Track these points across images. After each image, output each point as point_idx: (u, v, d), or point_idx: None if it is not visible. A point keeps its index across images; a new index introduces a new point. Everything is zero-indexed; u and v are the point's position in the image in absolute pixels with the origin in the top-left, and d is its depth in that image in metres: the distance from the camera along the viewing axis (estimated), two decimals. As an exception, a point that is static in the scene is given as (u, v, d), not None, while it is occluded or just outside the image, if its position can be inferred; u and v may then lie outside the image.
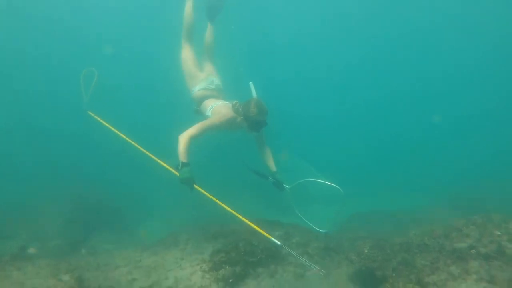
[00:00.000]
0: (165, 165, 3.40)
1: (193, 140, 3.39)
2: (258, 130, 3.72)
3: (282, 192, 3.99)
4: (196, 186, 3.20)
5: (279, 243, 2.93)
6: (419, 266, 2.73)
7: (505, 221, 3.04)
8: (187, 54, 4.61)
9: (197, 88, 4.37)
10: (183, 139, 3.33)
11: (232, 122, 3.75)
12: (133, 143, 3.73)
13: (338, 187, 3.57)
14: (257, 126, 3.66)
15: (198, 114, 4.28)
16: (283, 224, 4.28)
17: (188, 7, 4.75)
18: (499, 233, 2.85)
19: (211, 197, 3.20)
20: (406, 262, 2.87)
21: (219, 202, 3.16)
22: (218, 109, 3.92)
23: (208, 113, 3.96)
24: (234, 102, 3.75)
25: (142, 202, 7.39)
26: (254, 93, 3.81)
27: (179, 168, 3.22)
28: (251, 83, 3.88)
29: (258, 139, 4.14)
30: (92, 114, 4.02)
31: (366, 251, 3.26)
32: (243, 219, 3.08)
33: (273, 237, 2.95)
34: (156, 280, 3.01)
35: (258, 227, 3.02)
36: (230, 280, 2.90)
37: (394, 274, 2.76)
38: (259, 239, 3.26)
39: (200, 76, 4.49)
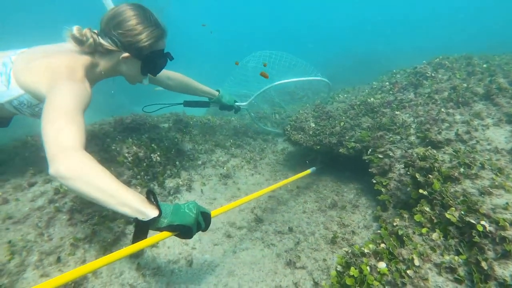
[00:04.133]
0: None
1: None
2: (160, 69, 2.13)
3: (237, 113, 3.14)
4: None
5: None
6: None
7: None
8: None
9: None
10: (79, 162, 1.25)
11: (93, 77, 1.91)
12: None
13: (326, 80, 3.22)
14: (161, 62, 2.08)
15: None
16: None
17: None
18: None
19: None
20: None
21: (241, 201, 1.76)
22: (39, 67, 1.70)
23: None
24: (75, 32, 1.78)
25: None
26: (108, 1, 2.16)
27: (159, 222, 1.26)
28: None
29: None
30: None
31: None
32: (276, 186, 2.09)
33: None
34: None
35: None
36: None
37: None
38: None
39: None
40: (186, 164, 2.52)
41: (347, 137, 2.56)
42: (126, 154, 2.21)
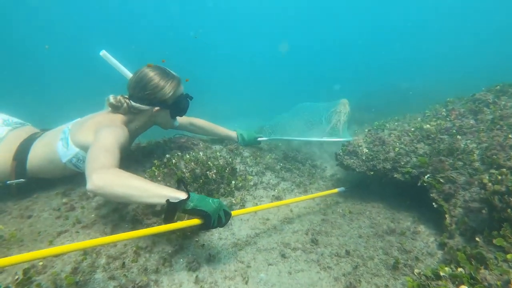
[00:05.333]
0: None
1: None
2: (186, 109, 2.45)
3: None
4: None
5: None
6: None
7: None
8: None
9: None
10: (109, 172, 1.54)
11: (135, 132, 2.39)
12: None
13: (349, 139, 3.02)
14: (185, 103, 2.41)
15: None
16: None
17: None
18: None
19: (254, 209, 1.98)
20: None
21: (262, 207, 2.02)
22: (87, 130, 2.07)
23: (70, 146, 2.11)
24: (112, 101, 2.20)
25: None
26: (120, 66, 2.49)
27: (186, 204, 1.50)
28: (103, 52, 2.46)
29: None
30: None
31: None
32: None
33: None
34: None
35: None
36: None
37: None
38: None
39: None
40: (239, 184, 2.56)
41: (402, 163, 2.49)
42: (184, 170, 2.29)
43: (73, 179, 2.39)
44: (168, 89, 2.21)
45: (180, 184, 1.57)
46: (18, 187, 2.18)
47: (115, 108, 2.21)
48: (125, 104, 2.21)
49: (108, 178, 1.48)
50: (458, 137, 2.45)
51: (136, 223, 1.92)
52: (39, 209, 2.07)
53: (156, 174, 2.25)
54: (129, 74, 2.42)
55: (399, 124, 3.22)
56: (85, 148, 2.02)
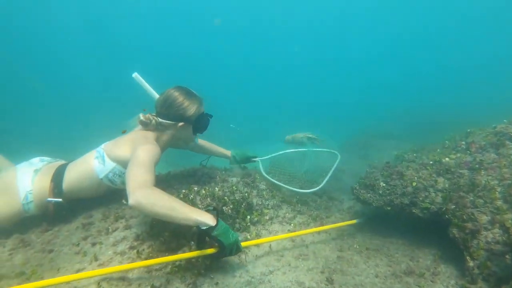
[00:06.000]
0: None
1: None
2: (207, 126, 2.71)
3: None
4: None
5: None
6: None
7: None
8: None
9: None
10: (149, 190, 1.81)
11: (164, 147, 2.62)
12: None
13: (336, 152, 3.41)
14: (206, 121, 2.68)
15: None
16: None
17: None
18: None
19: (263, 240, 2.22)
20: None
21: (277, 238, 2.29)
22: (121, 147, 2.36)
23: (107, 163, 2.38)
24: (142, 118, 2.45)
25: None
26: (149, 88, 2.77)
27: (212, 231, 1.75)
28: (135, 74, 2.74)
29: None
30: None
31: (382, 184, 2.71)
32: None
33: None
34: None
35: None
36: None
37: None
38: None
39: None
40: (255, 219, 2.57)
41: (420, 198, 2.44)
42: (200, 206, 2.35)
43: (95, 207, 2.51)
44: (191, 107, 2.50)
45: (213, 211, 1.87)
46: (55, 208, 2.38)
47: (145, 125, 2.50)
48: (153, 121, 2.48)
49: (150, 197, 1.75)
50: (482, 172, 2.38)
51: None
52: (60, 243, 2.17)
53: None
54: (156, 95, 2.70)
55: (417, 156, 3.18)
56: (122, 163, 2.33)
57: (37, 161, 2.63)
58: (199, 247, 1.86)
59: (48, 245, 2.15)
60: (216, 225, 1.76)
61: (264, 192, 2.99)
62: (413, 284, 2.00)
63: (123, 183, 2.33)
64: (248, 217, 2.49)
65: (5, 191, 2.35)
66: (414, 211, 2.44)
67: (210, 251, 1.82)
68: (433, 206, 2.36)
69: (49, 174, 2.43)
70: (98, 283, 1.72)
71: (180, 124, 2.51)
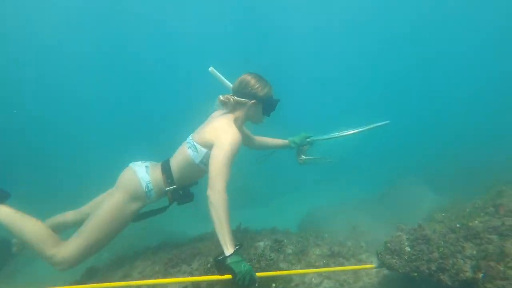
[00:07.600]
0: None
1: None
2: (274, 108, 3.11)
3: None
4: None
5: None
6: None
7: None
8: None
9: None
10: (222, 194, 2.37)
11: (241, 127, 3.11)
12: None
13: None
14: (274, 104, 3.09)
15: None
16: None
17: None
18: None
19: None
20: None
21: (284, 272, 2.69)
22: (209, 133, 2.85)
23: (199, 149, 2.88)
24: (221, 98, 2.98)
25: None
26: (224, 79, 3.29)
27: (226, 259, 2.13)
28: (211, 69, 3.27)
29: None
30: None
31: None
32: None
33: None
34: None
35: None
36: None
37: None
38: None
39: None
40: (280, 286, 2.65)
41: (448, 265, 2.40)
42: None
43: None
44: (263, 88, 2.96)
45: (238, 246, 2.26)
46: (172, 194, 3.03)
47: (224, 104, 2.99)
48: (231, 100, 2.94)
49: (222, 201, 2.29)
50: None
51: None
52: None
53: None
54: (231, 86, 3.15)
55: (446, 215, 3.13)
56: (211, 148, 2.69)
57: (140, 163, 3.16)
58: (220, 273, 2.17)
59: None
60: (231, 255, 2.12)
61: (291, 257, 3.07)
62: None
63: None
64: (273, 285, 2.58)
65: (129, 182, 2.97)
66: (441, 278, 2.40)
67: (227, 277, 2.09)
68: (461, 274, 2.31)
69: (158, 169, 3.04)
70: None
71: (252, 101, 2.95)
